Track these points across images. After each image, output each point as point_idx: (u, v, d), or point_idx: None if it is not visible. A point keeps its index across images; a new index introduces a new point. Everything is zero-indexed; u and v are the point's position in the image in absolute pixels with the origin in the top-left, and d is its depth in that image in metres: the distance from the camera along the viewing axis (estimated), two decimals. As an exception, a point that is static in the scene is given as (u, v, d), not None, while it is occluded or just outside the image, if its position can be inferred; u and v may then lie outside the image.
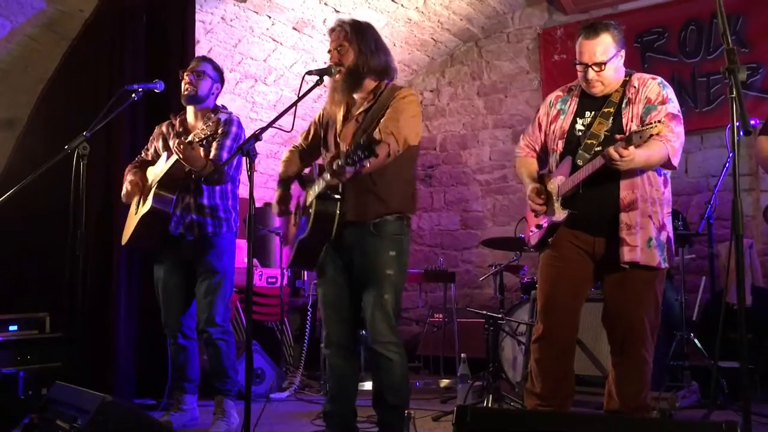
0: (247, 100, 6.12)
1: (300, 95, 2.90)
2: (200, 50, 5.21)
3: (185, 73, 3.81)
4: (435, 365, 5.68)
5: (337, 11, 5.53)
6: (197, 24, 4.86)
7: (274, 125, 2.89)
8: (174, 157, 3.53)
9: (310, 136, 3.27)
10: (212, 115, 3.65)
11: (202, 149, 3.60)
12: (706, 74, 5.53)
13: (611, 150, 2.68)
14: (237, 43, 5.55)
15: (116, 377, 4.32)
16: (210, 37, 5.37)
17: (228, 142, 3.68)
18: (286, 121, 2.98)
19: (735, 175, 2.16)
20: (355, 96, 3.08)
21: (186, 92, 3.78)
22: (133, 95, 3.60)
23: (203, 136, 3.36)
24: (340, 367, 3.10)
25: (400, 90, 3.04)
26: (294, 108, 2.97)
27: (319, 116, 3.25)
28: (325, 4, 5.48)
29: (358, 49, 3.00)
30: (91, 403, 2.47)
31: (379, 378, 3.01)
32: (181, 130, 3.85)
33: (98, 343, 4.34)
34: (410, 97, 3.01)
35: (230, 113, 3.82)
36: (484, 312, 4.42)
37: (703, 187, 5.54)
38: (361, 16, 5.61)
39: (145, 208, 3.64)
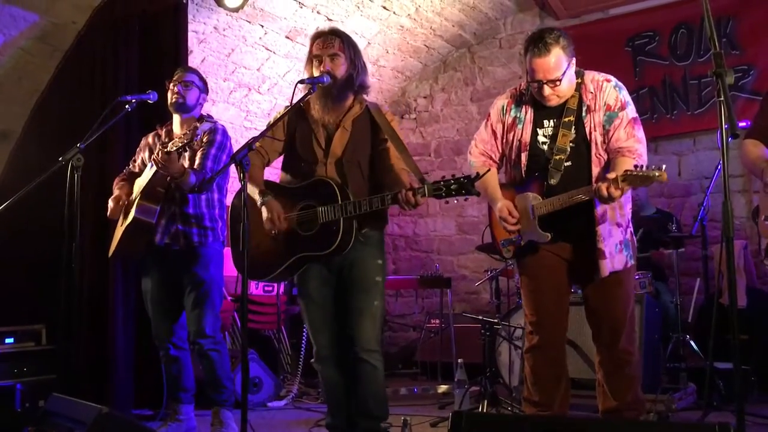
0: (241, 109, 6.13)
1: (292, 104, 2.92)
2: (193, 60, 5.23)
3: (172, 83, 3.83)
4: (432, 371, 5.69)
5: (330, 19, 5.54)
6: (190, 34, 4.87)
7: (266, 135, 2.90)
8: (155, 167, 3.54)
9: (273, 145, 3.13)
10: (197, 125, 3.67)
11: (187, 159, 3.62)
12: (697, 77, 5.55)
13: (604, 189, 2.66)
14: (230, 52, 5.56)
15: (113, 388, 4.30)
16: (203, 47, 5.38)
17: (213, 151, 3.71)
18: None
19: (725, 180, 2.15)
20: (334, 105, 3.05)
21: (174, 100, 3.79)
22: (127, 106, 3.62)
23: (180, 145, 3.37)
24: (335, 379, 3.09)
25: (385, 110, 3.12)
26: (286, 117, 2.99)
27: (284, 124, 3.12)
28: (318, 12, 5.50)
29: (351, 62, 3.02)
30: (88, 414, 2.47)
31: (363, 387, 2.98)
32: (167, 140, 3.85)
33: (95, 354, 4.35)
34: (395, 121, 3.12)
35: (215, 122, 3.83)
36: (481, 317, 4.43)
37: (697, 189, 5.56)
38: (354, 24, 5.67)
39: (128, 219, 3.64)
